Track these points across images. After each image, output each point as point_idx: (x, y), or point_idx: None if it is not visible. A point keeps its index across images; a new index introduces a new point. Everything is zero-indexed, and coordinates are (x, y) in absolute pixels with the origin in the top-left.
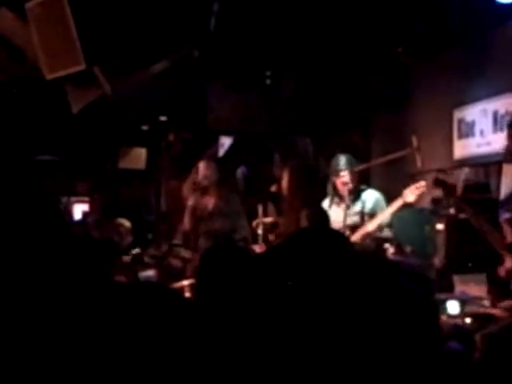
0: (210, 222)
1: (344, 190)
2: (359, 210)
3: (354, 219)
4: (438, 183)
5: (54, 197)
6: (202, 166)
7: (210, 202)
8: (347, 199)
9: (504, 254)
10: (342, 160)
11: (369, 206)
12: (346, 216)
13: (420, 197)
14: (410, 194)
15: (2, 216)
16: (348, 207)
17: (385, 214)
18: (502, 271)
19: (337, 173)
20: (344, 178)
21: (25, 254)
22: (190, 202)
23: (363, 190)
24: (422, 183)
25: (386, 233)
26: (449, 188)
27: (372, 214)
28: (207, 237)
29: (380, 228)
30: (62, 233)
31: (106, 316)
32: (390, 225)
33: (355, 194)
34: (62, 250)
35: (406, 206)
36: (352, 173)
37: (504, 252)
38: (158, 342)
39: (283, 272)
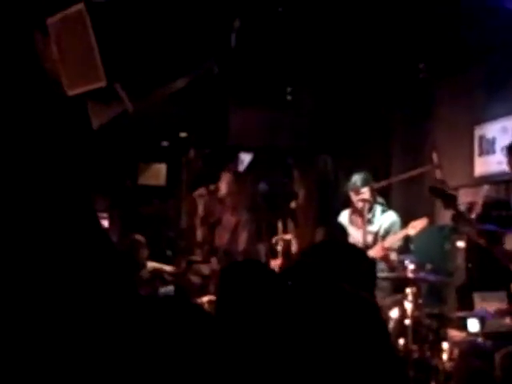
0: (220, 235)
1: (363, 207)
2: (375, 231)
3: (368, 239)
4: (432, 192)
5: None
6: (223, 177)
7: (222, 214)
8: (366, 216)
9: None
10: (359, 178)
11: (384, 226)
12: (365, 233)
13: (420, 231)
14: (413, 228)
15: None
16: (367, 224)
17: (387, 242)
18: None
19: (355, 190)
20: (363, 195)
21: (65, 259)
22: (200, 213)
23: (384, 211)
24: (424, 220)
25: (393, 257)
26: (447, 197)
27: (384, 236)
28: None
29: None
30: (102, 243)
31: (132, 328)
32: (398, 249)
33: (374, 213)
34: (101, 259)
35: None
36: (371, 189)
37: None
38: (178, 354)
39: (303, 287)
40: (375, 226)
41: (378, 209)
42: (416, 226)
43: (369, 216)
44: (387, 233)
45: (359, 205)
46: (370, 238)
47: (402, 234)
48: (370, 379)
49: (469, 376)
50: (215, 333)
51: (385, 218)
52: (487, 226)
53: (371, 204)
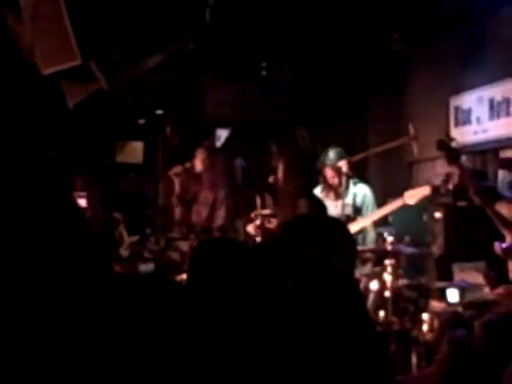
0: (198, 211)
1: (335, 181)
2: (351, 203)
3: (346, 211)
4: (441, 146)
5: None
6: (198, 154)
7: (199, 190)
8: (340, 190)
9: (505, 232)
10: (334, 152)
11: (358, 200)
12: (344, 206)
13: (421, 201)
14: (412, 198)
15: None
16: (341, 197)
17: (381, 212)
18: (498, 248)
19: (332, 166)
20: (342, 167)
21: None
22: (177, 191)
23: (355, 183)
24: (427, 188)
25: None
26: (452, 153)
27: (359, 209)
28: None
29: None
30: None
31: (109, 308)
32: (385, 222)
33: (347, 186)
34: (77, 240)
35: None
36: (348, 163)
37: (505, 229)
38: (160, 335)
39: (278, 262)
40: (349, 198)
41: (350, 182)
42: (415, 195)
43: (341, 189)
44: (361, 206)
45: (335, 181)
46: (348, 210)
47: (398, 203)
48: (347, 353)
49: (451, 346)
50: (197, 310)
51: (357, 190)
52: (487, 183)
53: (347, 177)
